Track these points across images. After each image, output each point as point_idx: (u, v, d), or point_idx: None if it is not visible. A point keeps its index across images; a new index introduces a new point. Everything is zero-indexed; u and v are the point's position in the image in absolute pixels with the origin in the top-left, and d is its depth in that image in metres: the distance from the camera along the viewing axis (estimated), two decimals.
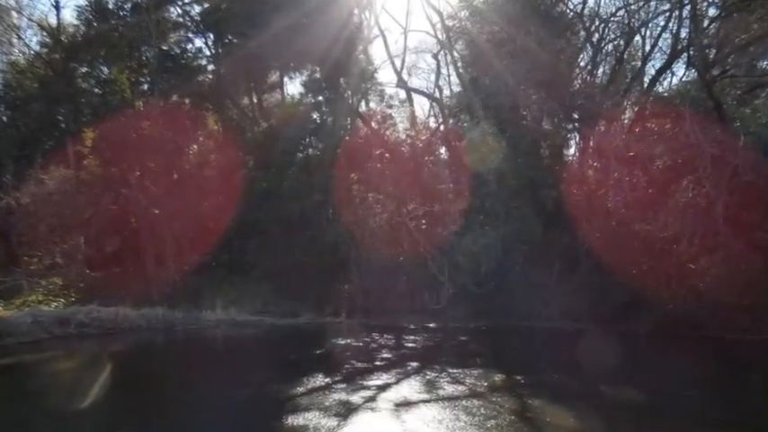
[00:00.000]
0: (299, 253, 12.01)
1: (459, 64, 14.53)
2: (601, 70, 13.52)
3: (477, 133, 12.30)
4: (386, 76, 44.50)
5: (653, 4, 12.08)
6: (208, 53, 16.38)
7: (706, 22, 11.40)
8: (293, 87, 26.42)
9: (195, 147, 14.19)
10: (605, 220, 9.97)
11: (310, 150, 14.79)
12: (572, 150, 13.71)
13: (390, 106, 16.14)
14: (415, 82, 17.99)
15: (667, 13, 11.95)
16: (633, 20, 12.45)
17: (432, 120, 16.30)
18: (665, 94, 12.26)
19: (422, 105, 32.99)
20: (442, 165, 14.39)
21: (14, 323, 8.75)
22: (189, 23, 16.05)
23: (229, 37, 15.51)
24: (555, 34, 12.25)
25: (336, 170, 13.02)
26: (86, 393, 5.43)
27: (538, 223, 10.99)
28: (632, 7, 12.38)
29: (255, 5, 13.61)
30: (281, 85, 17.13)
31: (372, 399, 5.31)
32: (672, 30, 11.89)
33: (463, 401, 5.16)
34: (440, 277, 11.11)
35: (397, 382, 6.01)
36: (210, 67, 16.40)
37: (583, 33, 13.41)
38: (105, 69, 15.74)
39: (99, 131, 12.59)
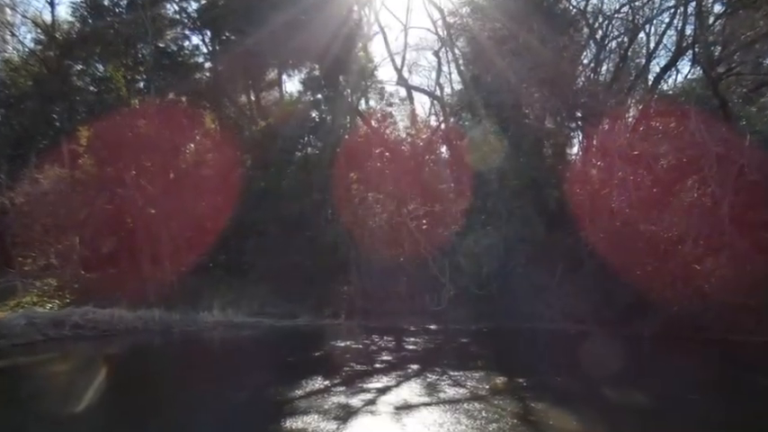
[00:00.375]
0: (297, 254, 11.92)
1: (461, 61, 14.43)
2: (604, 68, 13.46)
3: (478, 132, 12.21)
4: (386, 73, 44.57)
5: (657, 0, 11.97)
6: (205, 50, 16.28)
7: (711, 19, 11.28)
8: (292, 85, 26.38)
9: (192, 146, 14.10)
10: (609, 220, 9.91)
11: (309, 149, 14.69)
12: (575, 149, 13.64)
13: (390, 104, 16.04)
14: (415, 80, 17.83)
15: (672, 10, 11.88)
16: (637, 16, 12.38)
17: (432, 118, 16.21)
18: (670, 92, 12.22)
19: (422, 103, 33.00)
20: (442, 164, 14.31)
21: (8, 325, 8.68)
22: (185, 20, 15.89)
23: (227, 34, 15.35)
24: (558, 31, 12.12)
25: (336, 169, 12.90)
26: (81, 397, 5.40)
27: (540, 224, 10.93)
28: (636, 4, 12.26)
29: (253, 2, 13.46)
30: (279, 82, 16.98)
31: (372, 402, 5.28)
32: (677, 27, 11.85)
33: (464, 404, 5.14)
34: (441, 278, 11.03)
35: (397, 385, 5.98)
36: (207, 65, 16.26)
37: (586, 30, 13.30)
38: (100, 67, 15.59)
39: (94, 130, 12.47)
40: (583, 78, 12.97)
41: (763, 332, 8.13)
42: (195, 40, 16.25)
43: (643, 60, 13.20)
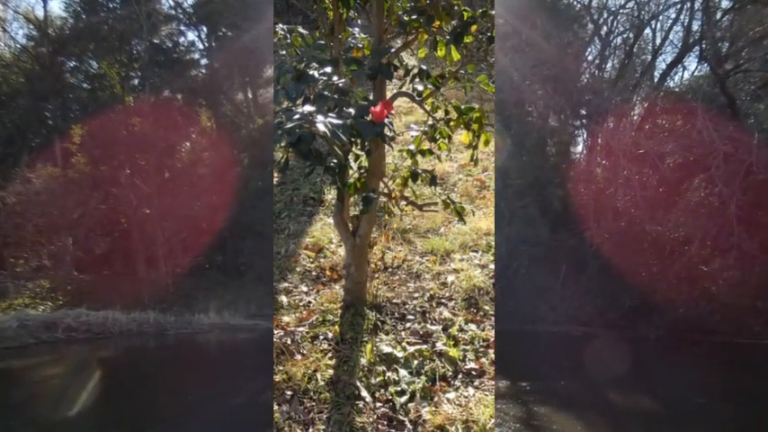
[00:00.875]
0: None
1: None
2: (609, 64, 13.43)
3: None
4: None
5: None
6: (201, 47, 16.03)
7: (719, 15, 11.20)
8: None
9: (188, 144, 13.92)
10: (614, 220, 9.85)
11: None
12: (579, 148, 13.64)
13: None
14: None
15: (678, 5, 11.85)
16: (643, 12, 12.32)
17: None
18: (677, 90, 12.22)
19: None
20: None
21: None
22: (181, 16, 15.66)
23: (223, 30, 15.12)
24: (561, 27, 12.01)
25: None
26: (74, 402, 5.35)
27: (544, 224, 10.80)
28: None
29: None
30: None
31: None
32: (683, 22, 11.79)
33: None
34: None
35: None
36: (204, 62, 16.04)
37: (591, 26, 13.25)
38: (94, 63, 15.34)
39: (88, 128, 12.32)
40: (587, 75, 12.92)
41: None
42: (191, 36, 16.07)
43: (649, 57, 13.14)
